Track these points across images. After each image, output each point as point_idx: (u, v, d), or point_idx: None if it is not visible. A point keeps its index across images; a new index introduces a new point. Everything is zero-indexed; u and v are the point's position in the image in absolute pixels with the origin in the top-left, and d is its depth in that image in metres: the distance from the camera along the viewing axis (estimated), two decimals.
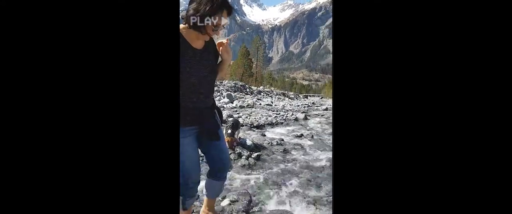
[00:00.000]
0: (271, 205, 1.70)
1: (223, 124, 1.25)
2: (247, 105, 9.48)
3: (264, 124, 5.32)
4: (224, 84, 14.16)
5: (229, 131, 2.71)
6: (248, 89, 15.50)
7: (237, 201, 1.67)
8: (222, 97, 10.58)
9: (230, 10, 0.99)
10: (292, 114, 7.39)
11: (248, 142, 2.83)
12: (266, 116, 6.68)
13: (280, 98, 16.42)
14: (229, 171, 2.24)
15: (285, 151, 3.01)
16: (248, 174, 2.22)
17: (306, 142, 3.69)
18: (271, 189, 1.93)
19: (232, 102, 9.86)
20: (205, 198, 1.31)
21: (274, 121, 5.84)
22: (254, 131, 4.37)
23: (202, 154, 1.20)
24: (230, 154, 2.55)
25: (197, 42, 1.03)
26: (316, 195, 1.87)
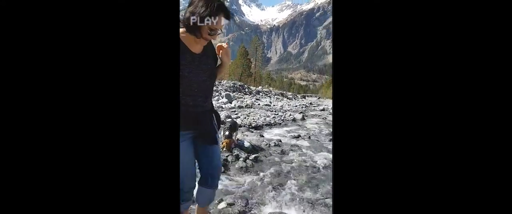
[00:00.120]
0: (268, 208, 1.70)
1: (221, 125, 1.23)
2: (245, 106, 9.48)
3: (263, 125, 5.32)
4: (222, 84, 14.14)
5: (227, 133, 2.71)
6: (247, 89, 15.51)
7: (234, 204, 1.66)
8: (220, 98, 10.57)
9: (227, 14, 0.97)
10: (290, 115, 7.41)
11: (246, 144, 2.83)
12: (264, 116, 6.68)
13: (279, 98, 16.44)
14: (227, 173, 2.23)
15: (283, 152, 3.01)
16: (245, 176, 2.22)
17: (304, 143, 3.70)
18: (268, 192, 1.93)
19: (231, 103, 9.86)
20: (196, 206, 1.30)
21: (272, 122, 5.84)
22: (252, 131, 4.37)
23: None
24: (228, 155, 2.54)
25: (196, 46, 1.02)
26: (313, 197, 1.87)
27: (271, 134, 4.38)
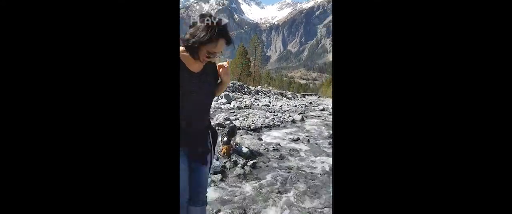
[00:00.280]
0: None
1: (214, 147, 1.21)
2: (244, 106, 9.47)
3: (261, 127, 5.31)
4: None
5: (225, 139, 2.69)
6: (246, 89, 15.48)
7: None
8: (220, 98, 10.55)
9: (228, 40, 0.96)
10: (289, 115, 7.39)
11: (244, 149, 2.82)
12: (263, 117, 6.67)
13: (278, 98, 16.41)
14: (225, 181, 2.22)
15: (281, 157, 3.00)
16: (243, 184, 2.21)
17: (302, 147, 3.69)
18: (266, 201, 1.92)
19: (230, 103, 9.84)
20: None
21: (271, 123, 5.83)
22: (250, 134, 4.36)
23: None
24: (226, 162, 2.53)
25: (195, 65, 1.01)
26: (311, 206, 1.87)
27: (270, 137, 4.37)
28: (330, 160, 2.99)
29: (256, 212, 1.75)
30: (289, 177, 2.39)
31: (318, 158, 3.12)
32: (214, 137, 1.18)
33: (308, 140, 4.14)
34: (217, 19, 0.94)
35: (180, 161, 1.05)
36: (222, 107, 8.93)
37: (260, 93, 16.13)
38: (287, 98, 17.88)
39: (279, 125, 5.89)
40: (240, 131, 4.55)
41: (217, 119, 5.00)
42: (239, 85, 15.50)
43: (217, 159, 2.59)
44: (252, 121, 5.93)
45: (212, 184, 2.10)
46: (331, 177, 2.41)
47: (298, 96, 23.02)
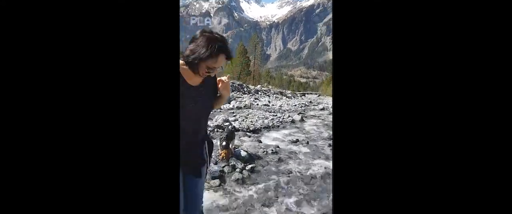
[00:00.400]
0: None
1: (210, 157, 1.21)
2: (244, 106, 9.46)
3: (261, 128, 5.30)
4: None
5: (224, 143, 2.69)
6: (245, 89, 15.47)
7: None
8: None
9: (228, 55, 0.96)
10: (289, 116, 7.38)
11: (243, 153, 2.81)
12: (262, 118, 6.66)
13: (278, 97, 16.40)
14: (223, 187, 2.22)
15: (280, 160, 3.00)
16: (242, 189, 2.20)
17: (301, 149, 3.68)
18: (265, 207, 1.92)
19: (229, 103, 9.83)
20: None
21: (270, 124, 5.82)
22: (249, 136, 4.36)
23: None
24: (224, 166, 2.53)
25: (193, 79, 1.01)
26: (311, 213, 1.87)
27: (269, 139, 4.36)
28: (328, 163, 2.99)
29: None
30: (288, 182, 2.39)
31: (317, 161, 3.12)
32: (210, 147, 1.18)
33: (307, 141, 4.14)
34: (217, 35, 0.95)
35: None
36: (222, 107, 8.93)
37: (259, 93, 16.12)
38: (286, 97, 17.86)
39: (278, 126, 5.89)
40: (239, 132, 4.54)
41: (216, 120, 5.00)
42: (238, 84, 15.48)
43: (216, 163, 2.59)
44: (251, 121, 5.93)
45: (210, 190, 2.10)
46: (329, 181, 2.41)
47: (298, 95, 23.00)
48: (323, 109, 11.46)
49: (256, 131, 4.99)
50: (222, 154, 2.67)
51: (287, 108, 10.61)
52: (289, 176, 2.53)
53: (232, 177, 2.35)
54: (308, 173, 2.62)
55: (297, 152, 3.47)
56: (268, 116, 7.17)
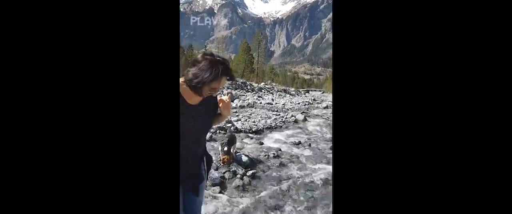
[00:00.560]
0: None
1: (208, 174, 1.20)
2: (247, 105, 9.45)
3: (263, 128, 5.29)
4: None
5: (225, 149, 2.68)
6: (249, 87, 15.45)
7: None
8: (222, 96, 10.52)
9: (231, 77, 0.96)
10: (292, 116, 7.35)
11: (244, 158, 2.80)
12: (265, 117, 6.65)
13: (281, 95, 16.36)
14: (224, 193, 2.21)
15: (281, 165, 2.98)
16: (242, 196, 2.19)
17: (303, 152, 3.66)
18: None
19: (233, 102, 9.83)
20: None
21: (273, 124, 5.81)
22: (251, 138, 4.35)
23: None
24: (225, 172, 2.52)
25: (193, 98, 0.99)
26: None
27: (271, 140, 4.35)
28: (329, 168, 2.96)
29: None
30: (288, 189, 2.37)
31: (319, 165, 3.09)
32: (208, 163, 1.17)
33: (310, 144, 4.11)
34: (218, 58, 0.94)
35: None
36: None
37: (263, 91, 16.09)
38: (290, 95, 17.80)
39: (281, 126, 5.86)
40: (241, 134, 4.54)
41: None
42: (242, 82, 15.47)
43: (216, 169, 2.58)
44: (253, 122, 5.91)
45: (210, 197, 2.09)
46: (330, 188, 2.38)
47: (302, 92, 22.90)
48: (326, 107, 11.39)
49: (258, 131, 4.98)
50: (223, 159, 2.66)
51: (291, 106, 10.57)
52: (289, 183, 2.51)
53: (233, 184, 2.34)
54: (309, 180, 2.60)
55: (299, 155, 3.45)
56: (271, 115, 7.14)
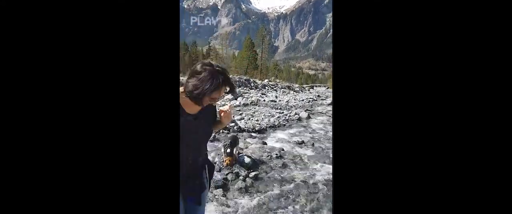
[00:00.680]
0: None
1: (211, 181, 1.21)
2: (251, 103, 9.45)
3: (266, 127, 5.29)
4: None
5: (228, 150, 2.69)
6: (252, 84, 15.42)
7: None
8: (226, 95, 10.53)
9: (231, 87, 0.96)
10: (295, 113, 7.34)
11: (246, 159, 2.82)
12: (268, 116, 6.64)
13: (285, 91, 16.30)
14: (226, 196, 2.24)
15: (284, 166, 2.99)
16: (244, 198, 2.21)
17: (306, 152, 3.66)
18: None
19: (236, 99, 9.84)
20: None
21: (276, 123, 5.81)
22: (254, 137, 4.36)
23: None
24: (228, 173, 2.54)
25: (192, 107, 1.00)
26: None
27: (274, 140, 4.36)
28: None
29: None
30: (290, 190, 2.38)
31: (322, 165, 3.10)
32: (210, 171, 1.18)
33: (313, 143, 4.11)
34: (218, 67, 0.94)
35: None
36: (228, 103, 8.96)
37: (267, 87, 16.04)
38: (294, 91, 17.73)
39: (284, 125, 5.86)
40: (244, 133, 4.55)
41: None
42: (245, 79, 15.44)
43: (219, 171, 2.60)
44: (257, 120, 5.92)
45: (213, 200, 2.12)
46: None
47: (306, 88, 22.76)
48: (330, 104, 11.33)
49: (261, 131, 4.99)
50: (226, 161, 2.68)
51: (294, 103, 10.54)
52: (292, 185, 2.52)
53: (235, 186, 2.36)
54: (312, 181, 2.60)
55: (302, 155, 3.45)
56: (274, 113, 7.14)
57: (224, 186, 2.35)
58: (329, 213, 2.01)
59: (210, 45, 34.48)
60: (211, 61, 0.95)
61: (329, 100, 12.72)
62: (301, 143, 4.12)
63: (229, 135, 3.47)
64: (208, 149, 3.27)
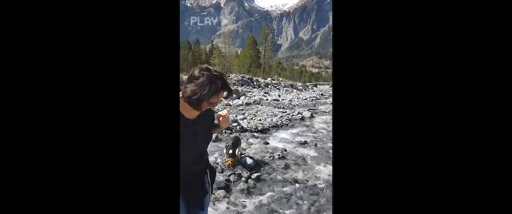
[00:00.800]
0: None
1: (213, 185, 1.22)
2: (253, 102, 9.45)
3: (269, 127, 5.29)
4: (231, 78, 14.11)
5: (231, 151, 2.70)
6: (255, 82, 15.41)
7: None
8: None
9: (229, 92, 0.96)
10: (298, 113, 7.33)
11: (249, 161, 2.82)
12: (271, 115, 6.64)
13: (288, 90, 16.28)
14: (228, 197, 2.25)
15: (286, 167, 2.99)
16: (246, 200, 2.22)
17: (309, 152, 3.65)
18: None
19: (239, 98, 9.85)
20: None
21: (279, 123, 5.80)
22: (257, 137, 4.36)
23: None
24: (230, 175, 2.55)
25: (191, 112, 1.00)
26: None
27: (277, 140, 4.35)
28: None
29: None
30: (292, 193, 2.38)
31: (324, 166, 3.09)
32: (212, 175, 1.18)
33: (316, 144, 4.10)
34: (216, 72, 0.94)
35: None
36: (231, 102, 8.96)
37: (269, 86, 16.03)
38: (297, 90, 17.69)
39: (287, 124, 5.86)
40: (246, 133, 4.56)
41: None
42: (248, 78, 15.44)
43: (222, 172, 2.61)
44: (259, 120, 5.92)
45: (215, 201, 2.13)
46: None
47: (309, 87, 22.69)
48: None
49: (264, 130, 4.99)
50: (228, 162, 2.69)
51: (297, 102, 10.52)
52: (294, 186, 2.52)
53: (238, 187, 2.37)
54: (314, 183, 2.60)
55: (304, 156, 3.45)
56: (277, 113, 7.13)
57: (226, 187, 2.36)
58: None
59: (213, 43, 34.47)
60: (208, 66, 0.95)
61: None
62: (304, 143, 4.11)
63: (231, 136, 3.47)
64: (211, 149, 3.29)
